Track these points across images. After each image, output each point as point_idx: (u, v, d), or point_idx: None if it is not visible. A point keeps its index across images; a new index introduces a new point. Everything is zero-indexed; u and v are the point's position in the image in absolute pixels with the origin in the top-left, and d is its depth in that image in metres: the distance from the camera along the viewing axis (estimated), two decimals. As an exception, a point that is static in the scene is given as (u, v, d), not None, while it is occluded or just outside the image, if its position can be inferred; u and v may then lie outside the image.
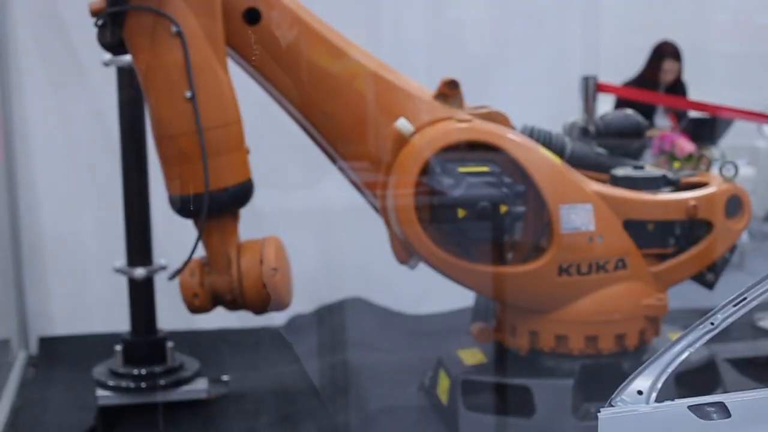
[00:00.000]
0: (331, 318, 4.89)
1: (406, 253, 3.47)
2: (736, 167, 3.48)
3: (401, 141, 3.31)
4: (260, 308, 3.34)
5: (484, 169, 3.26)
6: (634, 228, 3.43)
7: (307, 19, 3.40)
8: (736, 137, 7.13)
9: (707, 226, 3.49)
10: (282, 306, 3.37)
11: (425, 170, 3.27)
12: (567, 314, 3.42)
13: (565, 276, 3.35)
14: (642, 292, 3.45)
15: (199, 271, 3.32)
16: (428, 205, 3.27)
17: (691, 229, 3.50)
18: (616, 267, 3.39)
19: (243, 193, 3.31)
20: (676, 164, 5.96)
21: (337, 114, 3.40)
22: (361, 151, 3.43)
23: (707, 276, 3.59)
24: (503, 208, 3.24)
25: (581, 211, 3.34)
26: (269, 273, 3.25)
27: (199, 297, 3.32)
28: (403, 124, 3.31)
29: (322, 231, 4.97)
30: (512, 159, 3.30)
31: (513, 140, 3.34)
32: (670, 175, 3.61)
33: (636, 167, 3.59)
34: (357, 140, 3.41)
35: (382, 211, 3.47)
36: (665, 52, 6.84)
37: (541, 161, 3.34)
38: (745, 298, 2.42)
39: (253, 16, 3.31)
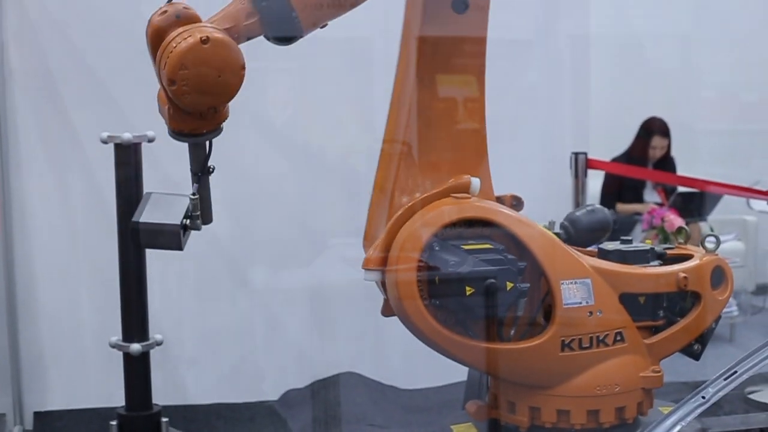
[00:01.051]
0: (325, 393, 4.89)
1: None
2: (717, 239, 3.54)
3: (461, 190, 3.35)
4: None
5: (488, 246, 3.29)
6: (628, 301, 3.47)
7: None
8: (724, 212, 7.20)
9: (695, 297, 3.54)
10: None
11: (427, 247, 3.28)
12: (569, 389, 3.43)
13: (568, 351, 3.37)
14: (640, 365, 3.48)
15: None
16: (433, 282, 3.29)
17: (680, 300, 3.56)
18: (615, 340, 3.42)
19: None
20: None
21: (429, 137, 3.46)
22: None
23: (694, 347, 3.62)
24: (509, 285, 3.27)
25: (581, 285, 3.38)
26: None
27: None
28: (476, 183, 3.37)
29: (315, 307, 4.99)
30: (512, 235, 3.34)
31: (512, 216, 3.38)
32: (657, 248, 3.66)
33: (624, 241, 3.64)
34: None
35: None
36: (654, 129, 6.94)
37: (540, 237, 3.38)
38: (735, 372, 2.47)
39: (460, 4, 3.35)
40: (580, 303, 3.35)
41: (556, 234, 3.62)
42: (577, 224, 3.68)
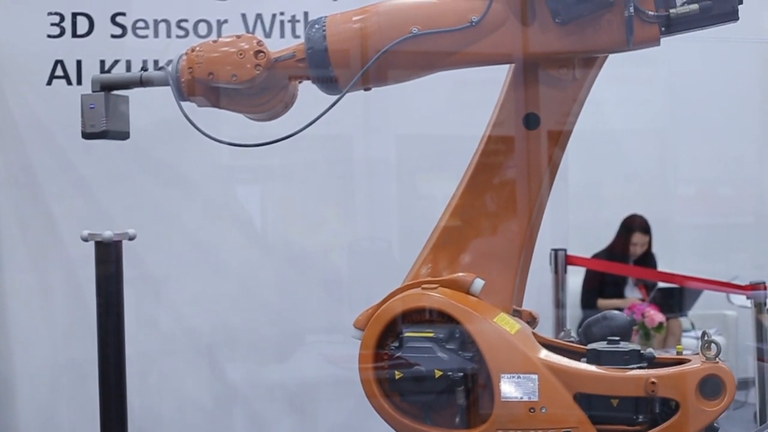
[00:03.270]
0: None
1: None
2: (718, 346, 3.43)
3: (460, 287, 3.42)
4: None
5: (429, 334, 3.36)
6: (597, 402, 3.44)
7: None
8: (705, 307, 7.22)
9: (676, 405, 3.48)
10: None
11: (384, 337, 3.40)
12: None
13: None
14: None
15: None
16: (386, 373, 3.38)
17: (660, 407, 3.50)
18: None
19: None
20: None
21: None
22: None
23: None
24: (438, 373, 3.32)
25: (524, 380, 3.39)
26: None
27: None
28: (478, 284, 3.43)
29: (295, 404, 4.96)
30: (462, 327, 3.39)
31: (467, 311, 3.41)
32: (645, 351, 3.61)
33: (611, 341, 3.62)
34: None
35: None
36: (634, 226, 7.00)
37: (490, 331, 3.40)
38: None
39: (533, 121, 3.42)
40: (520, 398, 3.36)
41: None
42: (589, 333, 3.69)
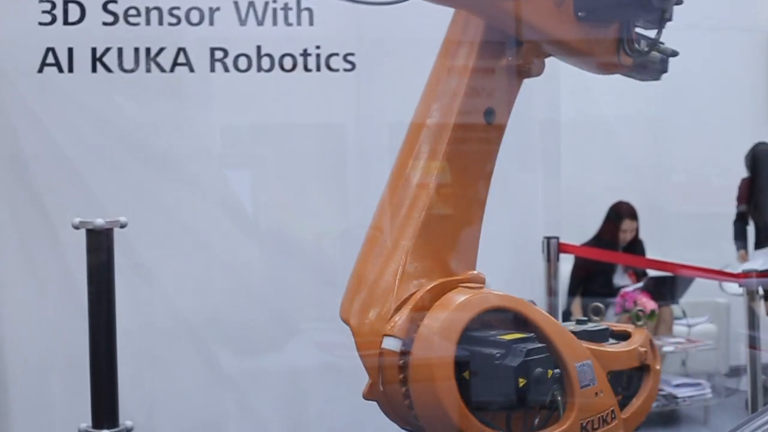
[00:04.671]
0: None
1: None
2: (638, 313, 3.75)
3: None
4: None
5: (522, 335, 3.25)
6: (614, 378, 3.50)
7: None
8: (696, 295, 7.24)
9: (647, 370, 3.60)
10: None
11: (463, 332, 3.21)
12: None
13: None
14: None
15: None
16: (471, 371, 3.22)
17: (635, 374, 3.61)
18: (612, 418, 3.43)
19: None
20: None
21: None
22: None
23: None
24: (549, 373, 3.22)
25: (587, 367, 3.37)
26: None
27: None
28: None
29: (288, 392, 4.96)
30: (528, 321, 3.30)
31: (527, 304, 3.35)
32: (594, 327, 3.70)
33: (579, 321, 3.65)
34: None
35: None
36: (623, 212, 7.00)
37: (551, 322, 3.35)
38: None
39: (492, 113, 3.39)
40: (589, 384, 3.36)
41: None
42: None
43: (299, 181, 4.97)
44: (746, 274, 5.19)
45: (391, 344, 3.18)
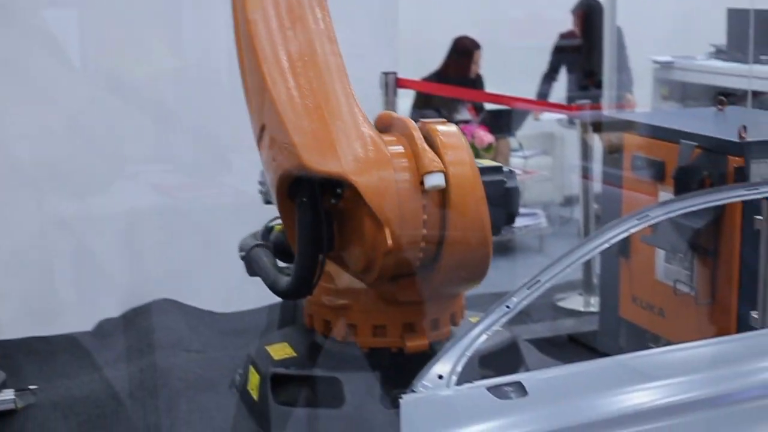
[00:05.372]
0: (140, 321, 4.84)
1: None
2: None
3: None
4: None
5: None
6: None
7: None
8: (533, 127, 7.38)
9: None
10: None
11: None
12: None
13: None
14: None
15: None
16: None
17: None
18: None
19: None
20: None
21: None
22: None
23: None
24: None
25: None
26: None
27: None
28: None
29: (126, 234, 4.92)
30: None
31: None
32: None
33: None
34: None
35: None
36: (463, 48, 7.02)
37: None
38: (538, 281, 2.54)
39: None
40: None
41: None
42: None
43: (131, 19, 4.84)
44: (579, 107, 5.30)
45: (436, 180, 3.28)
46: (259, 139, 3.46)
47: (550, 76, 7.16)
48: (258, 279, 3.72)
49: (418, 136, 3.39)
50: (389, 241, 3.24)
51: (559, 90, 7.10)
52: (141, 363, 4.31)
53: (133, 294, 4.96)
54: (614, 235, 2.67)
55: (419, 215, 3.31)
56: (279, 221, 3.75)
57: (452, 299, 3.72)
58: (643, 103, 6.55)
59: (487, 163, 3.62)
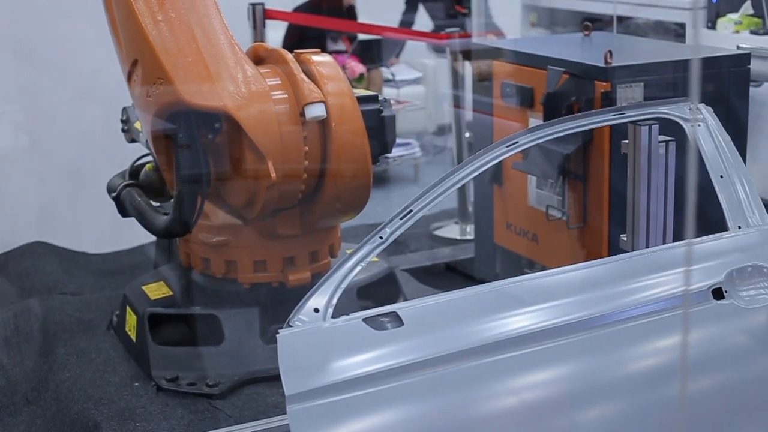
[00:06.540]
0: (13, 264, 4.74)
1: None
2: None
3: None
4: None
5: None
6: None
7: None
8: (405, 56, 7.38)
9: None
10: None
11: None
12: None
13: None
14: None
15: None
16: None
17: None
18: None
19: None
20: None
21: None
22: None
23: None
24: None
25: None
26: None
27: None
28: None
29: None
30: None
31: None
32: None
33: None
34: None
35: None
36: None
37: None
38: (410, 211, 2.56)
39: None
40: None
41: None
42: None
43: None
44: (449, 35, 5.30)
45: (317, 111, 3.33)
46: (130, 75, 3.38)
47: (413, 3, 7.14)
48: (131, 219, 3.67)
49: (295, 67, 3.37)
50: (272, 174, 3.23)
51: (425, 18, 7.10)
52: (15, 308, 4.22)
53: (2, 237, 4.85)
54: (484, 162, 2.69)
55: (300, 147, 3.31)
56: (147, 160, 3.69)
57: (330, 231, 3.74)
58: (512, 30, 6.58)
59: (362, 92, 3.63)
